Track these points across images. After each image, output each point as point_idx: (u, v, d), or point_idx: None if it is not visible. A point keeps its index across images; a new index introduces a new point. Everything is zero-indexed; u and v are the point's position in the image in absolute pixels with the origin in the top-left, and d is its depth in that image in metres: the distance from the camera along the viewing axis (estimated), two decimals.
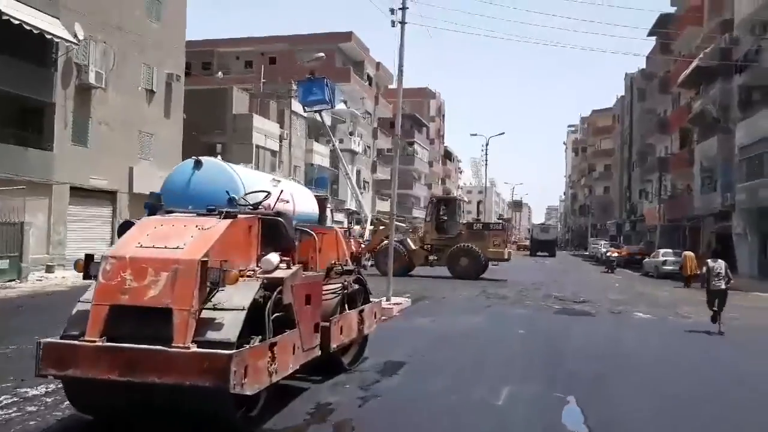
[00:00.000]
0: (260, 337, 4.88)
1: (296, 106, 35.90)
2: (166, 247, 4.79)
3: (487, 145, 41.52)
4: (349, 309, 7.08)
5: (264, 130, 34.08)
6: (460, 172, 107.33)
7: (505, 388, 6.60)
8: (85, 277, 4.92)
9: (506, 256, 24.94)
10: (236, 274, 4.66)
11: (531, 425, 5.60)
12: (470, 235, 24.46)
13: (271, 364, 4.88)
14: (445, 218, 25.38)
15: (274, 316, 5.09)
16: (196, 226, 5.02)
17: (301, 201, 14.19)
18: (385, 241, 20.56)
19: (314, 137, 42.30)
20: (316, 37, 47.76)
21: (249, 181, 11.58)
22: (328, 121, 42.27)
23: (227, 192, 6.36)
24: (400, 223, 26.71)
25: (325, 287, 6.66)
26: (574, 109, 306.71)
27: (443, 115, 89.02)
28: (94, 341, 4.52)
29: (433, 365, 7.79)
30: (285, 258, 5.45)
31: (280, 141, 36.62)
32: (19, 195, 18.58)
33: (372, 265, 17.73)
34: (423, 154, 72.57)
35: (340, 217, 41.30)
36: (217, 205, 5.66)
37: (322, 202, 15.19)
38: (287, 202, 12.78)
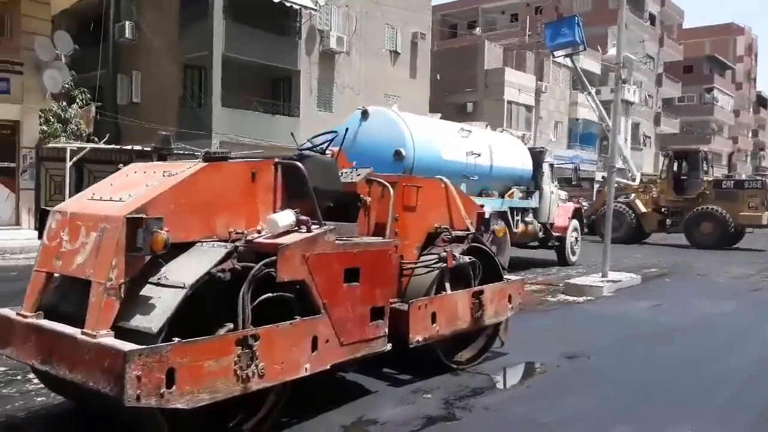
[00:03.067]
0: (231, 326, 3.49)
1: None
2: (110, 200, 3.62)
3: None
4: (458, 288, 5.18)
5: (517, 84, 31.82)
6: None
7: None
8: (39, 237, 4.03)
9: (765, 221, 19.43)
10: (162, 236, 3.26)
11: None
12: (717, 196, 19.77)
13: (244, 365, 3.42)
14: (685, 175, 20.80)
15: (264, 296, 3.61)
16: (164, 173, 3.75)
17: (504, 154, 12.23)
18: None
19: (580, 89, 38.32)
20: None
21: (420, 131, 10.14)
22: (596, 69, 38.02)
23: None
24: (631, 183, 22.38)
25: (406, 260, 4.92)
26: None
27: (755, 54, 74.24)
28: (26, 316, 3.62)
29: (592, 377, 5.39)
30: (305, 217, 3.89)
31: (538, 95, 33.87)
32: None
33: (587, 232, 14.99)
34: (726, 101, 61.56)
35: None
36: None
37: (537, 156, 13.15)
38: (478, 155, 11.14)
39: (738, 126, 67.07)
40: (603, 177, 29.67)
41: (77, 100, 20.44)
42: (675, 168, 21.09)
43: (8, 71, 14.33)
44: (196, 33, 20.57)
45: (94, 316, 3.24)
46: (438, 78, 29.77)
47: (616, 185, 11.88)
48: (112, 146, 17.08)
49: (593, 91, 23.79)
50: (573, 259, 13.76)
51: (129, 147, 16.82)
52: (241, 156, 4.85)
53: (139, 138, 19.56)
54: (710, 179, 20.56)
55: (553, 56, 23.84)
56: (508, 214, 11.52)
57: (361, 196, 4.73)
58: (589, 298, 9.28)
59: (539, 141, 31.62)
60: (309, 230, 3.85)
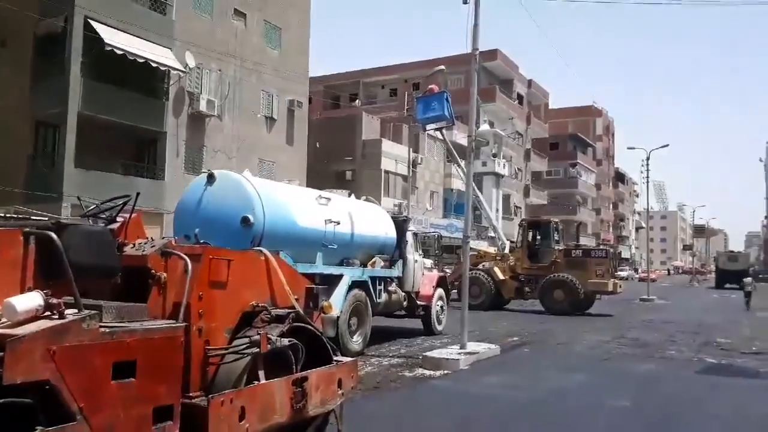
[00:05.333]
0: None
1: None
2: None
3: (647, 159, 35.60)
4: (275, 376, 4.57)
5: (394, 154, 32.52)
6: (636, 195, 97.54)
7: None
8: None
9: (611, 288, 20.69)
10: None
11: None
12: (567, 264, 20.89)
13: None
14: (538, 244, 21.95)
15: None
16: None
17: (366, 222, 11.94)
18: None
19: (453, 162, 39.92)
20: (460, 58, 45.73)
21: (272, 196, 9.61)
22: (466, 142, 39.86)
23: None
24: (487, 251, 23.32)
25: (213, 345, 4.28)
26: None
27: (612, 134, 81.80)
28: None
29: None
30: (57, 301, 3.18)
31: (414, 166, 34.74)
32: None
33: (453, 300, 15.19)
34: (588, 176, 66.75)
35: (484, 244, 38.26)
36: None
37: (400, 225, 13.01)
38: (338, 223, 10.76)
39: (600, 198, 72.81)
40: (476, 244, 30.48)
41: None
42: (529, 237, 22.02)
43: None
44: (50, 89, 19.18)
45: None
46: (318, 146, 29.78)
47: (474, 253, 11.90)
48: None
49: (463, 163, 24.64)
50: (439, 328, 13.57)
51: None
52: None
53: None
54: (561, 248, 21.59)
55: (424, 129, 24.56)
56: (369, 283, 11.15)
57: (154, 271, 4.07)
58: (445, 371, 8.97)
59: (416, 210, 32.19)
60: (61, 316, 3.15)
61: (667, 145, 41.89)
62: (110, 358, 3.33)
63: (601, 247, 28.04)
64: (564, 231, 24.26)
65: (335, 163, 30.33)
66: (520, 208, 50.00)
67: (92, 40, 18.71)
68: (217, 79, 22.74)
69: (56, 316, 3.15)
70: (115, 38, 18.62)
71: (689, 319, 19.51)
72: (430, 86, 22.91)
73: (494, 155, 42.63)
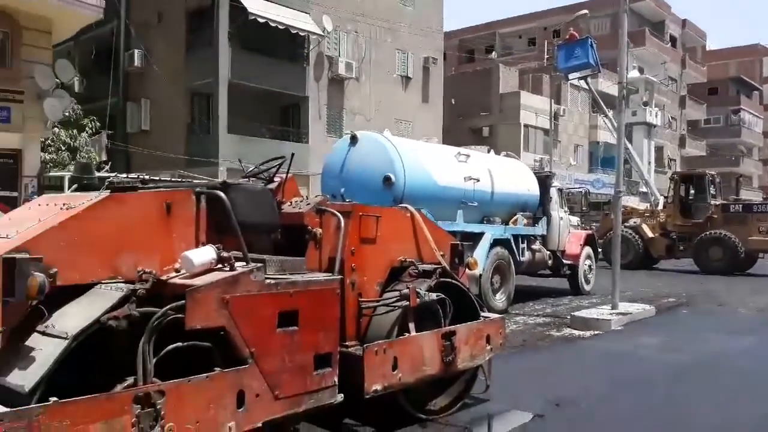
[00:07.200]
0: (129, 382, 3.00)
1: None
2: None
3: None
4: (424, 329, 4.63)
5: (534, 107, 31.30)
6: None
7: None
8: None
9: None
10: (37, 281, 2.80)
11: None
12: (725, 220, 19.10)
13: (146, 427, 2.93)
14: (691, 199, 20.14)
15: (171, 346, 3.12)
16: (63, 206, 3.31)
17: (506, 179, 11.66)
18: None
19: (600, 112, 37.66)
20: (604, 1, 42.63)
21: (412, 155, 9.64)
22: (615, 91, 37.27)
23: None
24: (634, 207, 21.66)
25: (365, 298, 4.41)
26: None
27: None
28: None
29: (578, 429, 4.79)
30: (228, 254, 3.42)
31: (556, 118, 33.26)
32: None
33: (602, 258, 14.49)
34: (754, 122, 60.10)
35: (635, 200, 36.05)
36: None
37: (543, 181, 12.56)
38: (477, 180, 10.60)
39: None
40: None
41: (86, 128, 20.43)
42: (682, 192, 20.44)
43: (8, 100, 14.23)
44: (202, 60, 20.55)
45: None
46: (453, 102, 29.42)
47: (621, 209, 11.22)
48: (112, 174, 16.88)
49: (610, 114, 23.16)
50: (587, 288, 13.06)
51: (135, 175, 16.60)
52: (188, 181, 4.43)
53: (150, 166, 19.43)
54: (718, 203, 19.81)
55: (566, 78, 23.32)
56: (512, 241, 10.92)
57: (310, 227, 4.24)
58: (596, 332, 8.63)
59: (559, 165, 30.95)
60: (232, 268, 3.38)
61: None
62: (275, 307, 3.54)
63: (766, 201, 25.34)
64: (722, 184, 22.22)
65: (471, 119, 29.86)
66: (675, 160, 46.34)
67: (237, 10, 19.70)
68: (353, 41, 23.09)
69: (227, 268, 3.39)
70: (257, 7, 19.47)
71: None
72: (570, 32, 21.63)
73: (645, 104, 39.62)
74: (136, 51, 21.94)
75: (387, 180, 8.83)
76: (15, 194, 15.23)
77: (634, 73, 38.02)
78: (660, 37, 44.00)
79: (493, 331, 5.11)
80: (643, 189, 36.48)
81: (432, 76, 26.83)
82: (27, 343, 2.92)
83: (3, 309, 2.84)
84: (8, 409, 2.55)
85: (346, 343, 4.23)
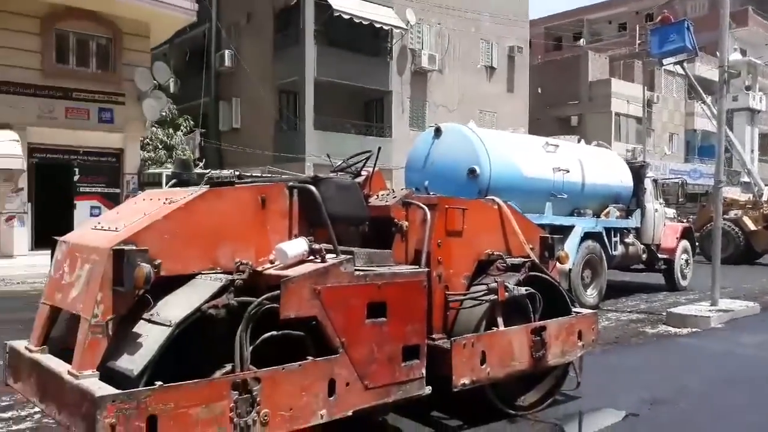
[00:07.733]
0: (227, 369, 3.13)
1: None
2: (107, 229, 3.40)
3: None
4: (513, 324, 4.55)
5: (625, 95, 30.01)
6: None
7: None
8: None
9: None
10: (144, 271, 2.96)
11: None
12: None
13: (243, 412, 3.05)
14: None
15: (267, 335, 3.23)
16: (166, 200, 3.49)
17: (598, 169, 11.24)
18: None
19: (697, 98, 35.60)
20: None
21: (497, 146, 9.48)
22: (714, 76, 35.09)
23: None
24: (734, 198, 20.14)
25: (452, 291, 4.39)
26: None
27: None
28: (31, 351, 3.46)
29: (676, 430, 4.56)
30: (319, 246, 3.50)
31: (649, 106, 31.73)
32: None
33: (699, 252, 13.63)
34: None
35: (736, 191, 33.89)
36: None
37: (637, 171, 12.02)
38: (567, 171, 10.28)
39: None
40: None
41: (181, 127, 21.49)
42: None
43: (111, 102, 15.22)
44: (289, 58, 21.08)
45: (79, 355, 3.01)
46: (539, 92, 28.70)
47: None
48: (207, 171, 17.66)
49: (709, 100, 21.86)
50: (683, 283, 12.43)
51: (228, 171, 17.30)
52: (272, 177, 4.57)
53: (240, 163, 20.20)
54: None
55: (661, 64, 22.17)
56: (604, 235, 10.53)
57: (396, 220, 4.26)
58: (693, 330, 8.21)
59: (652, 155, 29.56)
60: (323, 260, 3.45)
61: None
62: (365, 298, 3.59)
63: None
64: None
65: (558, 108, 29.01)
66: None
67: (322, 8, 20.06)
68: (436, 33, 22.96)
69: (318, 260, 3.47)
70: (342, 3, 19.74)
71: None
72: (663, 14, 20.54)
73: (748, 88, 36.99)
74: (226, 51, 22.80)
75: (472, 172, 8.73)
76: (117, 191, 16.26)
77: (735, 56, 35.58)
78: (765, 16, 41.00)
79: (585, 327, 4.96)
80: (745, 179, 34.26)
81: (517, 66, 26.26)
82: (134, 330, 3.10)
83: (114, 298, 3.03)
84: (120, 391, 2.72)
85: (433, 336, 4.23)
